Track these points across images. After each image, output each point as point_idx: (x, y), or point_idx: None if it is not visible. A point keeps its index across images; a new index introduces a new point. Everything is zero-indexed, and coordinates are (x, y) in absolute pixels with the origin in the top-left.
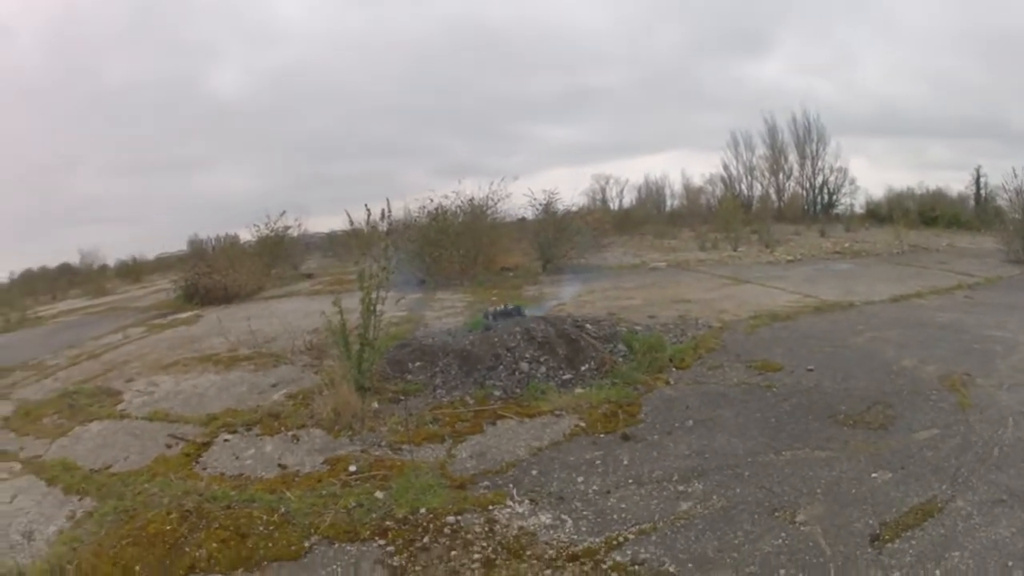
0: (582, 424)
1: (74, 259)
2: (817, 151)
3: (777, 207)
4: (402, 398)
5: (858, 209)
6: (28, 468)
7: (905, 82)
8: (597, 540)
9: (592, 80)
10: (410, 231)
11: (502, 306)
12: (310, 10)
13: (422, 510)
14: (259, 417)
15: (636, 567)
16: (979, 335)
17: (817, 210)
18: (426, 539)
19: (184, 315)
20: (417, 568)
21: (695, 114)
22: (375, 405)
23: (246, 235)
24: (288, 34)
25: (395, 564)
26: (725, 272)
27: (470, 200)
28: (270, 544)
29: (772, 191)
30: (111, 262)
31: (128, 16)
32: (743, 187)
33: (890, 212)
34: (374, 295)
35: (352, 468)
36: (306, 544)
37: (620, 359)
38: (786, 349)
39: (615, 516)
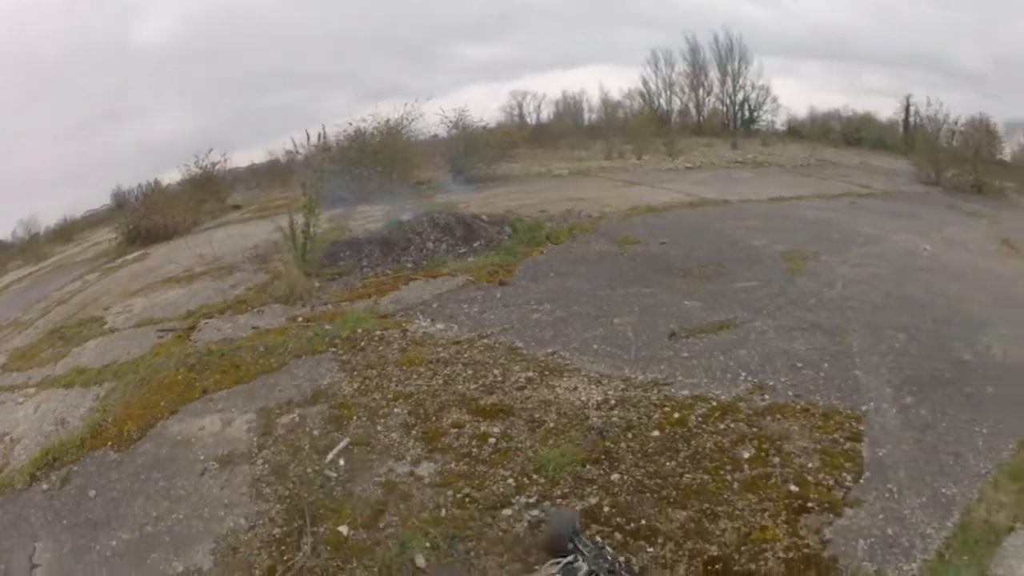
0: (471, 279)
1: (9, 233)
2: (739, 69)
3: (696, 122)
4: (337, 277)
5: (780, 127)
6: (42, 385)
7: (843, 8)
8: (473, 334)
9: None
10: (331, 153)
11: None
12: None
13: (359, 330)
14: (229, 304)
15: (496, 344)
16: (847, 230)
17: (737, 126)
18: (363, 343)
19: (132, 256)
20: (358, 358)
21: (620, 31)
22: (316, 284)
23: (174, 177)
24: None
25: (344, 359)
26: (623, 177)
27: (386, 122)
28: (258, 366)
29: (692, 106)
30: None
31: None
32: (662, 102)
33: (812, 130)
34: (315, 199)
35: (306, 318)
36: (283, 361)
37: (506, 238)
38: (649, 231)
39: (486, 323)
